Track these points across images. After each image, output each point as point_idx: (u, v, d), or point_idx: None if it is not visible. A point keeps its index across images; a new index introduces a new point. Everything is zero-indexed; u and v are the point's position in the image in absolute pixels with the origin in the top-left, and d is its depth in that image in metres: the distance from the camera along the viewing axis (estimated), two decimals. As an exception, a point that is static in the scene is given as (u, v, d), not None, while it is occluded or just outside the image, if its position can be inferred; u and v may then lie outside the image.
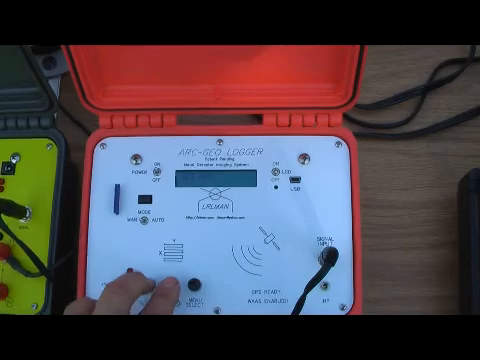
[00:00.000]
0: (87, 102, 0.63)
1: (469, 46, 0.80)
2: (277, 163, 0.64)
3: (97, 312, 0.50)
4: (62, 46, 0.56)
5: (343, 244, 0.61)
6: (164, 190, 0.64)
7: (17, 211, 0.64)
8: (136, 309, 0.59)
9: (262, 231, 0.62)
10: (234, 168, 0.64)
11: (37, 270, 0.62)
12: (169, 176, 0.64)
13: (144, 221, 0.63)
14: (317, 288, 0.59)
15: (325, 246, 0.61)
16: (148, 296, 0.59)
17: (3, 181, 0.67)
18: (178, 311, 0.61)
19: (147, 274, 0.61)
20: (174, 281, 0.60)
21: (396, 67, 0.81)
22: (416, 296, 0.71)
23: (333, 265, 0.57)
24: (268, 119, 0.65)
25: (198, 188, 0.64)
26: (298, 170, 0.64)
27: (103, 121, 0.65)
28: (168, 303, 0.58)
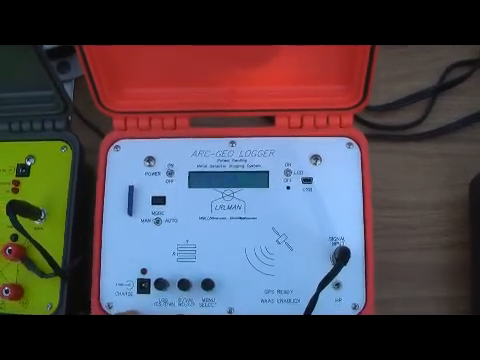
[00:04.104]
0: (101, 105, 0.64)
1: (480, 48, 0.80)
2: (289, 164, 0.64)
3: None
4: (77, 49, 0.57)
5: (355, 244, 0.61)
6: (177, 191, 0.64)
7: (32, 212, 0.64)
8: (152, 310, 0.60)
9: (275, 231, 0.62)
10: (247, 169, 0.64)
11: (51, 271, 0.62)
12: (182, 177, 0.65)
13: (157, 222, 0.64)
14: (329, 288, 0.59)
15: (337, 246, 0.61)
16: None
17: (18, 183, 0.68)
18: (192, 311, 0.61)
19: (160, 274, 0.62)
20: None
21: (407, 69, 0.81)
22: (428, 296, 0.71)
23: (345, 264, 0.57)
24: (280, 121, 0.65)
25: (211, 189, 0.64)
26: (310, 171, 0.64)
27: (117, 123, 0.66)
28: None
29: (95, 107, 0.65)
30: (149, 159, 0.65)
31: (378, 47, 0.56)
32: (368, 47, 0.56)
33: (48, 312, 0.63)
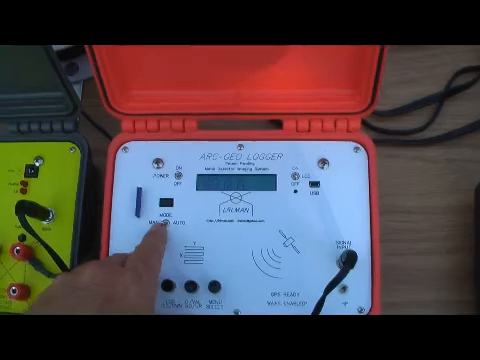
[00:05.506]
0: (110, 106, 0.64)
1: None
2: (297, 168, 0.65)
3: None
4: (87, 50, 0.57)
5: (361, 248, 0.62)
6: (185, 193, 0.65)
7: (40, 213, 0.65)
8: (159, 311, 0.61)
9: (282, 234, 0.63)
10: (254, 172, 0.65)
11: (59, 271, 0.62)
12: (190, 180, 0.65)
13: (165, 224, 0.64)
14: (336, 291, 0.59)
15: (344, 249, 0.61)
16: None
17: (27, 183, 0.68)
18: (198, 312, 0.62)
19: (168, 276, 0.62)
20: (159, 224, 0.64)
21: (414, 74, 0.82)
22: (433, 300, 0.71)
23: (352, 267, 0.57)
24: (288, 124, 0.65)
25: (219, 192, 0.64)
26: (317, 174, 0.64)
27: (126, 125, 0.66)
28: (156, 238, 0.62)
29: (100, 109, 0.65)
30: (157, 161, 0.65)
31: (386, 51, 0.56)
32: (376, 51, 0.56)
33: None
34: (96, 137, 0.77)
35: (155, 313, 0.56)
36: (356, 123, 0.65)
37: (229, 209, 0.64)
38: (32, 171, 0.68)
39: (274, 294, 0.62)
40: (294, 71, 0.62)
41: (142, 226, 0.64)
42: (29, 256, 0.65)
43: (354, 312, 0.61)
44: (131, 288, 0.52)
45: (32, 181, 0.68)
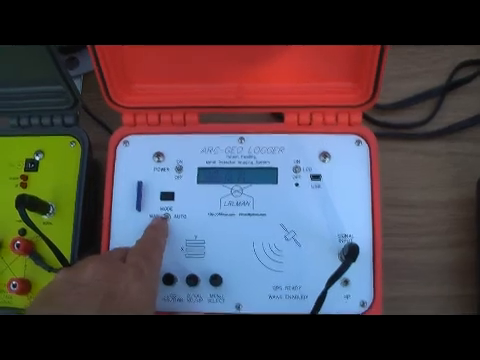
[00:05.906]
0: (111, 100, 0.64)
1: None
2: (298, 161, 0.64)
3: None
4: (88, 45, 0.57)
5: (363, 241, 0.61)
6: (186, 187, 0.64)
7: (41, 207, 0.65)
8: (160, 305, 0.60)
9: (283, 228, 0.63)
10: (255, 165, 0.64)
11: (60, 265, 0.62)
12: (191, 173, 0.65)
13: (166, 218, 0.64)
14: (338, 284, 0.59)
15: (346, 243, 0.61)
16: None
17: (27, 178, 0.68)
18: (200, 306, 0.62)
19: (169, 270, 0.62)
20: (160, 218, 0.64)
21: (415, 68, 0.81)
22: (435, 295, 0.71)
23: (354, 261, 0.57)
24: (289, 117, 0.65)
25: (220, 185, 0.64)
26: (319, 168, 0.64)
27: (126, 119, 0.66)
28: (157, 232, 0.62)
29: (101, 103, 0.65)
30: (158, 155, 0.65)
31: (388, 46, 0.56)
32: (378, 46, 0.56)
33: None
34: (96, 131, 0.77)
35: (156, 307, 0.56)
36: (357, 116, 0.65)
37: (230, 203, 0.64)
38: (32, 165, 0.68)
39: (276, 288, 0.62)
40: (295, 65, 0.62)
41: (143, 220, 0.64)
42: (29, 250, 0.65)
43: (356, 305, 0.61)
44: (133, 284, 0.52)
45: (32, 175, 0.68)
